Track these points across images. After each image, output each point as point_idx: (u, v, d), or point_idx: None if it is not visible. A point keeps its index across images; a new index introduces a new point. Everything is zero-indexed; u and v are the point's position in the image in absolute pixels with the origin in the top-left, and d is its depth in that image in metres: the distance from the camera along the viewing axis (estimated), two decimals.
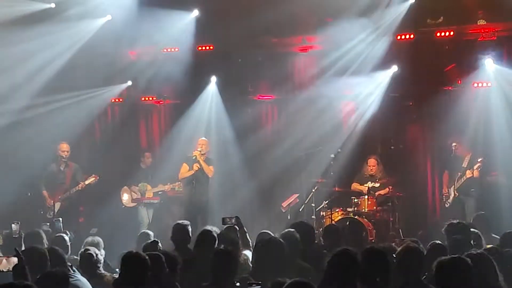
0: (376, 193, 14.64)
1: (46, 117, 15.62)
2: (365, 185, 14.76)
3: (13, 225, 9.44)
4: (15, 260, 5.83)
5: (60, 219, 11.46)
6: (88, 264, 8.13)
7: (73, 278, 7.40)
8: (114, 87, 16.82)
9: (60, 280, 6.25)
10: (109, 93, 16.77)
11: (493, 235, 10.60)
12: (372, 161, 15.09)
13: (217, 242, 8.98)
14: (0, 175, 14.74)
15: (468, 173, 14.17)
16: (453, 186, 14.44)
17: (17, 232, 9.41)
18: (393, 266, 6.72)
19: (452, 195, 14.45)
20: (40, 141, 15.19)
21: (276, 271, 7.33)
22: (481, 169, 14.18)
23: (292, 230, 9.05)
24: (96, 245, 9.63)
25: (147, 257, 6.77)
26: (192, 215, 14.73)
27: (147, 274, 6.65)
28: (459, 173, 14.38)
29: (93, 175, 14.95)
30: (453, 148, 14.44)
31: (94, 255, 8.19)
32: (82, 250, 8.47)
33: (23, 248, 9.21)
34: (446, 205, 14.67)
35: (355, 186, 15.05)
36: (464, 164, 14.38)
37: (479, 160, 14.16)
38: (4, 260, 5.80)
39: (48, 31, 15.20)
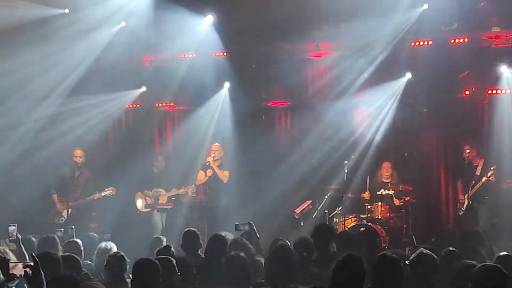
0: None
1: (61, 122, 15.73)
2: (378, 192, 14.71)
3: (9, 227, 9.36)
4: (19, 265, 5.82)
5: (73, 227, 11.42)
6: (116, 268, 8.04)
7: (90, 281, 7.43)
8: (128, 93, 16.89)
9: (70, 284, 6.25)
10: (123, 99, 16.85)
11: (508, 242, 10.54)
12: (386, 165, 15.07)
13: (228, 247, 9.01)
14: (16, 179, 14.84)
15: (484, 180, 14.03)
16: (467, 194, 14.29)
17: (14, 234, 9.35)
18: (407, 273, 6.70)
19: (466, 203, 14.29)
20: (54, 146, 15.31)
21: (288, 278, 7.34)
22: (495, 175, 14.07)
23: (307, 237, 9.08)
24: (109, 250, 9.65)
25: (158, 263, 6.77)
26: (205, 221, 14.80)
27: (159, 280, 6.66)
28: (472, 181, 14.25)
29: (111, 188, 14.94)
30: (467, 155, 14.35)
31: (126, 258, 8.13)
32: (112, 253, 8.45)
33: (24, 251, 9.27)
34: (460, 213, 14.52)
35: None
36: (477, 172, 14.28)
37: (491, 168, 14.05)
38: (20, 265, 5.79)
39: (63, 38, 15.29)
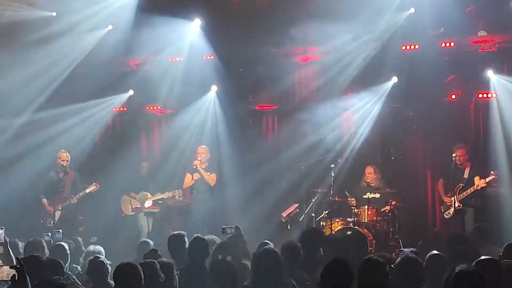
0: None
1: (49, 126, 15.69)
2: (364, 196, 14.72)
3: None
4: (5, 268, 5.77)
5: (60, 230, 11.39)
6: (98, 272, 8.07)
7: (72, 285, 7.42)
8: (115, 97, 16.86)
9: None
10: (110, 102, 16.83)
11: (494, 246, 10.55)
12: (369, 169, 15.09)
13: (214, 250, 9.02)
14: (2, 183, 14.78)
15: (477, 185, 13.95)
16: (454, 197, 14.20)
17: (2, 237, 9.29)
18: (392, 277, 6.71)
19: (456, 206, 14.16)
20: (41, 151, 15.27)
21: (275, 282, 7.34)
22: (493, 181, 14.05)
23: (294, 240, 9.09)
24: (98, 254, 9.66)
25: (140, 267, 6.74)
26: (192, 225, 14.77)
27: (142, 284, 6.64)
28: (461, 185, 14.19)
29: (94, 183, 14.95)
30: (454, 159, 14.33)
31: (105, 263, 8.15)
32: (92, 257, 8.44)
33: (11, 254, 9.23)
34: (446, 216, 14.39)
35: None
36: (466, 175, 14.26)
37: (492, 172, 14.04)
38: (5, 268, 5.73)
39: (50, 41, 15.28)
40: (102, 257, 8.34)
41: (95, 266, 8.12)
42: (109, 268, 8.28)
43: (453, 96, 15.72)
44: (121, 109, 17.40)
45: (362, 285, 6.48)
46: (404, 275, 6.87)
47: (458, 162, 14.32)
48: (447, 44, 15.28)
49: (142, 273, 6.65)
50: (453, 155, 14.32)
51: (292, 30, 15.26)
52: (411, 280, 6.87)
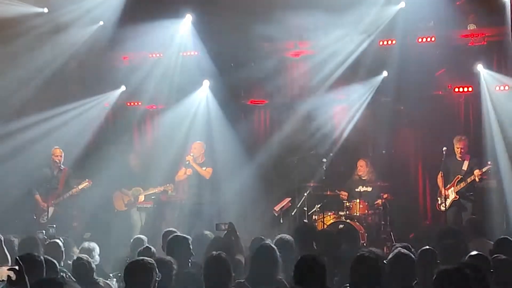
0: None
1: (42, 123, 15.68)
2: (356, 189, 14.79)
3: None
4: (4, 269, 5.78)
5: (54, 225, 11.43)
6: (81, 272, 8.12)
7: (67, 284, 7.46)
8: (108, 93, 16.85)
9: (54, 287, 6.25)
10: (103, 98, 16.81)
11: (485, 239, 10.62)
12: (361, 163, 15.17)
13: (208, 246, 9.06)
14: None
15: (475, 176, 13.91)
16: (452, 189, 14.19)
17: None
18: (384, 272, 6.78)
19: (452, 197, 14.17)
20: (34, 147, 15.27)
21: (270, 277, 7.39)
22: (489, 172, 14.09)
23: (287, 236, 9.16)
24: (92, 250, 9.70)
25: (154, 264, 6.76)
26: (185, 220, 14.82)
27: (153, 281, 6.66)
28: (459, 176, 14.15)
29: (87, 180, 14.93)
30: (459, 150, 14.26)
31: (87, 263, 8.18)
32: (75, 258, 8.46)
33: (6, 252, 9.27)
34: (443, 208, 14.19)
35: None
36: (464, 167, 14.22)
37: (489, 162, 14.10)
38: (3, 268, 5.73)
39: (42, 37, 15.27)
40: (85, 258, 8.32)
41: (78, 267, 8.15)
42: (94, 266, 8.32)
43: (443, 90, 15.79)
44: (114, 105, 17.31)
45: (354, 281, 6.56)
46: (396, 271, 6.92)
47: (458, 155, 14.29)
48: (437, 38, 15.38)
49: (154, 271, 6.66)
50: (443, 148, 14.26)
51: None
52: (403, 276, 6.92)
